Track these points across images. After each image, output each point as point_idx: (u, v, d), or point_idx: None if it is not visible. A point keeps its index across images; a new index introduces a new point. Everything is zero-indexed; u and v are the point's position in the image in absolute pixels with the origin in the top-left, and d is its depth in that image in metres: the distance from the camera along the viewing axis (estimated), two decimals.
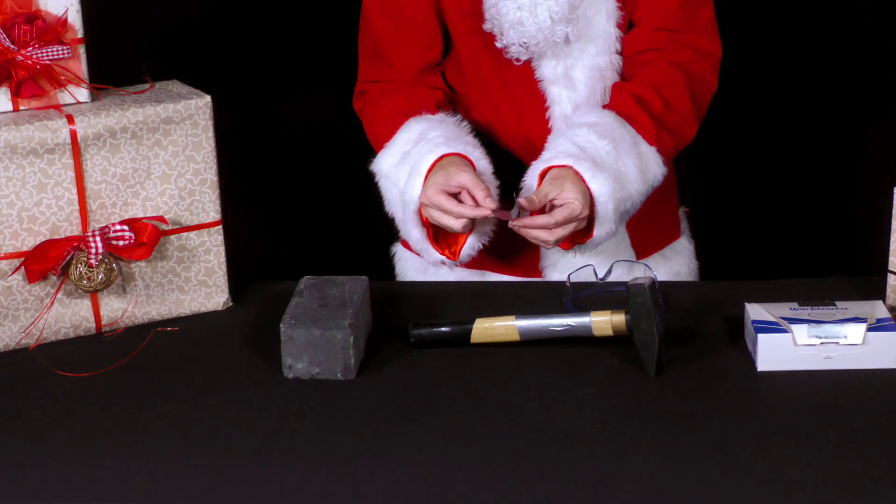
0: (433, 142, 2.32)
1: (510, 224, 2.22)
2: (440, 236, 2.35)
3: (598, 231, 2.28)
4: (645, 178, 2.34)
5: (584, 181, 2.24)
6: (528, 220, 2.21)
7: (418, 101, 2.42)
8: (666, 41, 2.40)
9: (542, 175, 2.27)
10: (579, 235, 2.30)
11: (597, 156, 2.27)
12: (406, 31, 2.44)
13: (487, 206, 2.21)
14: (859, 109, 3.52)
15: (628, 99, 2.37)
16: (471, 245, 2.33)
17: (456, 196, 2.25)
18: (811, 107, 3.52)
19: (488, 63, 2.43)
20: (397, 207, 2.38)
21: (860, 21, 3.47)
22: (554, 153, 2.29)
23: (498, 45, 2.38)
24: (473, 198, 2.23)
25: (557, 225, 2.20)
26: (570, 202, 2.21)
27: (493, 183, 2.32)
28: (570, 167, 2.24)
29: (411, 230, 2.33)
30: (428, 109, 2.42)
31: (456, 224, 2.24)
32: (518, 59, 2.39)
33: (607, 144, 2.29)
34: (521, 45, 2.37)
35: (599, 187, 2.25)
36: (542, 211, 2.23)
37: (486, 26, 2.38)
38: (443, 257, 2.34)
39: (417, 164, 2.30)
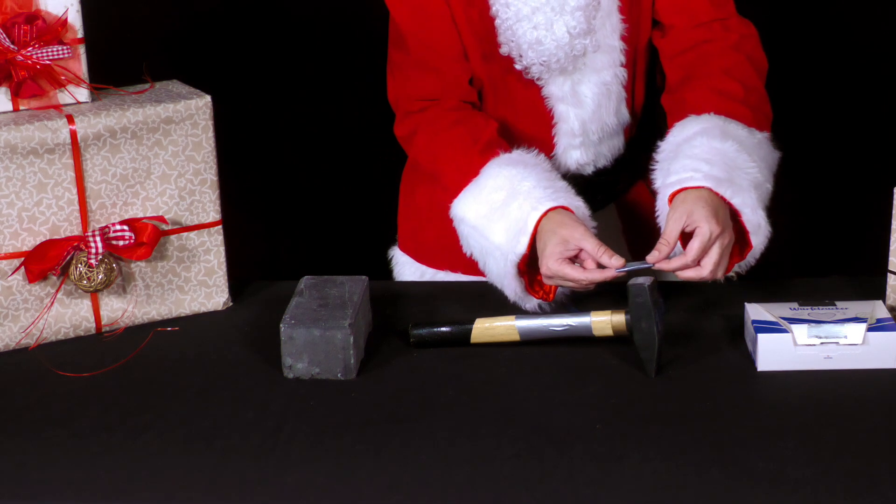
0: (531, 195, 2.24)
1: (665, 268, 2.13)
2: (534, 281, 2.30)
3: (756, 239, 2.19)
4: (770, 167, 2.28)
5: (723, 198, 2.14)
6: (665, 266, 2.12)
7: (482, 132, 2.34)
8: (708, 31, 2.36)
9: (672, 198, 2.17)
10: (735, 254, 2.20)
11: (727, 160, 2.18)
12: (442, 44, 2.38)
13: (614, 264, 2.14)
14: (860, 109, 3.52)
15: (712, 97, 2.29)
16: None
17: (574, 257, 2.18)
18: (811, 107, 3.52)
19: (491, 82, 2.41)
20: (489, 259, 2.28)
21: (860, 21, 3.46)
22: (683, 175, 2.17)
23: (518, 66, 2.35)
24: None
25: (697, 261, 2.11)
26: (698, 228, 2.10)
27: (591, 224, 2.25)
28: (706, 188, 2.14)
29: (511, 283, 2.26)
30: (497, 143, 2.33)
31: (582, 288, 2.19)
32: (539, 79, 2.37)
33: (732, 144, 2.21)
34: (542, 64, 2.33)
35: (743, 201, 2.16)
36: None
37: (503, 50, 2.34)
38: (539, 301, 2.27)
39: (521, 223, 2.22)
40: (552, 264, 2.16)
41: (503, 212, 2.25)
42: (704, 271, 2.11)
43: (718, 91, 2.30)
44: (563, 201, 2.23)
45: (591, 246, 2.15)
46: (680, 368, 2.11)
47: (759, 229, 2.18)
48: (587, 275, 2.15)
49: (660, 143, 2.30)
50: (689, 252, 2.10)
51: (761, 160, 2.25)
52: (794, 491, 1.80)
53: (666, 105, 2.40)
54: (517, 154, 2.33)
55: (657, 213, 2.23)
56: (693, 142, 2.22)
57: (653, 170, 2.28)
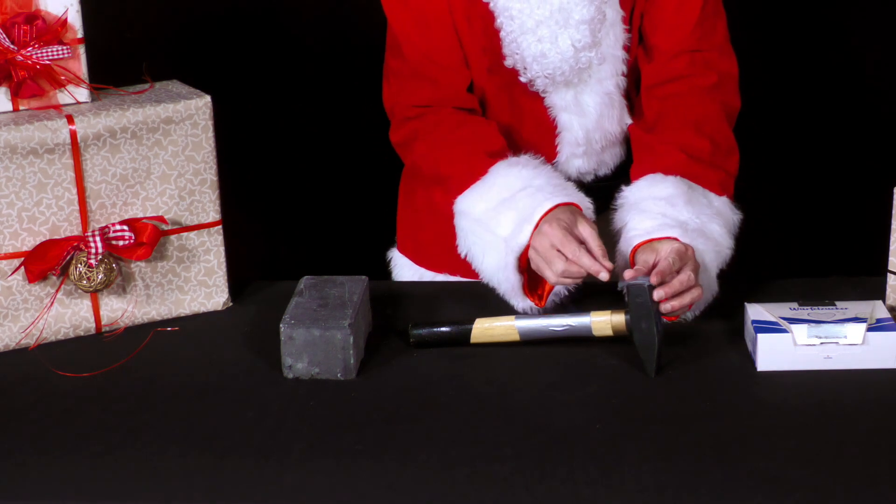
0: (544, 190, 2.24)
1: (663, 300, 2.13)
2: (530, 284, 2.29)
3: (706, 294, 2.20)
4: (729, 231, 2.29)
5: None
6: (669, 289, 2.10)
7: (487, 136, 2.34)
8: (689, 65, 2.36)
9: (635, 251, 2.19)
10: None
11: (691, 225, 2.22)
12: (441, 53, 2.38)
13: (607, 266, 2.13)
14: (859, 109, 3.52)
15: (680, 157, 2.29)
16: (557, 290, 2.26)
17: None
18: (811, 107, 3.52)
19: (495, 93, 2.40)
20: (489, 251, 2.27)
21: (860, 22, 3.47)
22: (649, 226, 2.19)
23: (522, 79, 2.34)
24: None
25: (692, 281, 2.13)
26: (680, 258, 2.13)
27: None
28: (674, 238, 2.16)
29: (509, 276, 2.24)
30: (505, 148, 2.33)
31: (560, 270, 2.16)
32: (544, 91, 2.37)
33: (692, 215, 2.22)
34: (546, 77, 2.33)
35: (702, 255, 2.19)
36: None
37: (508, 63, 2.34)
38: (531, 303, 2.26)
39: (528, 212, 2.21)
40: (556, 229, 2.15)
41: (512, 203, 2.25)
42: (687, 301, 2.13)
43: (685, 150, 2.30)
44: (574, 199, 2.25)
45: (594, 240, 2.16)
46: (680, 368, 2.11)
47: (708, 289, 2.20)
48: (582, 256, 2.13)
49: (625, 189, 2.31)
50: (686, 270, 2.13)
51: (720, 226, 2.27)
52: (794, 491, 1.80)
53: (634, 136, 2.40)
54: (525, 158, 2.33)
55: (624, 235, 2.24)
56: (656, 204, 2.23)
57: (615, 209, 2.30)
